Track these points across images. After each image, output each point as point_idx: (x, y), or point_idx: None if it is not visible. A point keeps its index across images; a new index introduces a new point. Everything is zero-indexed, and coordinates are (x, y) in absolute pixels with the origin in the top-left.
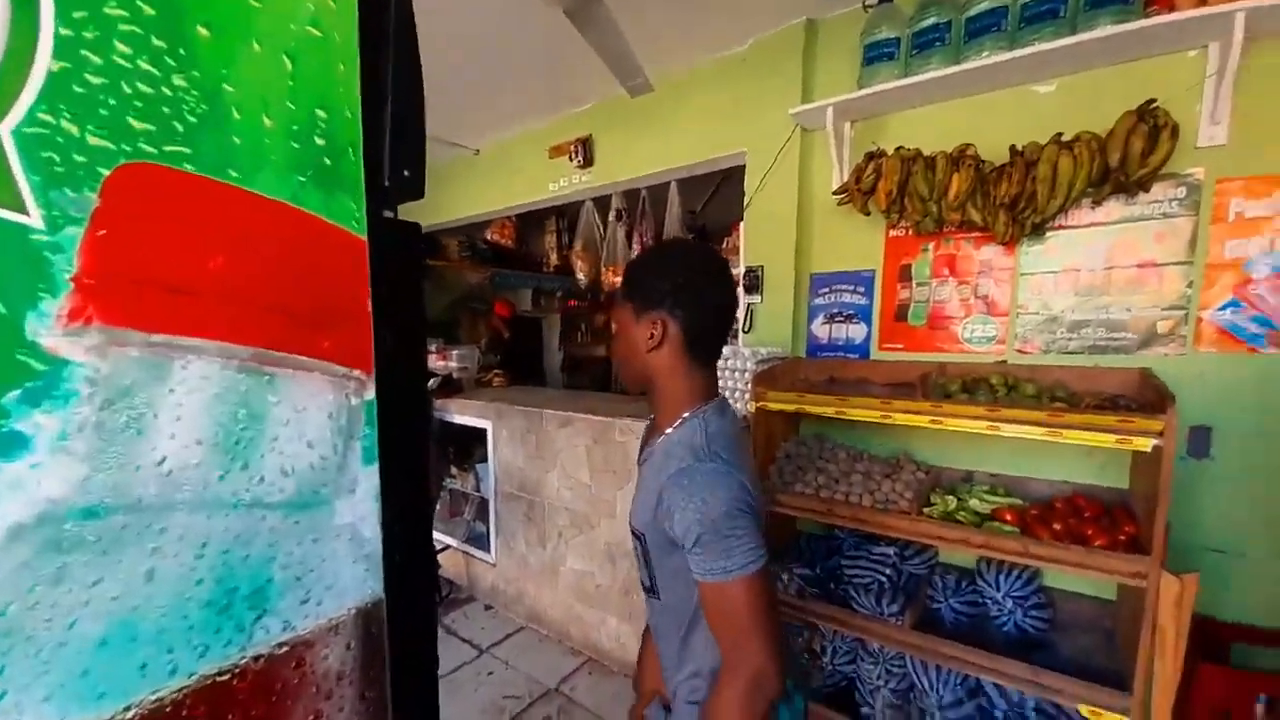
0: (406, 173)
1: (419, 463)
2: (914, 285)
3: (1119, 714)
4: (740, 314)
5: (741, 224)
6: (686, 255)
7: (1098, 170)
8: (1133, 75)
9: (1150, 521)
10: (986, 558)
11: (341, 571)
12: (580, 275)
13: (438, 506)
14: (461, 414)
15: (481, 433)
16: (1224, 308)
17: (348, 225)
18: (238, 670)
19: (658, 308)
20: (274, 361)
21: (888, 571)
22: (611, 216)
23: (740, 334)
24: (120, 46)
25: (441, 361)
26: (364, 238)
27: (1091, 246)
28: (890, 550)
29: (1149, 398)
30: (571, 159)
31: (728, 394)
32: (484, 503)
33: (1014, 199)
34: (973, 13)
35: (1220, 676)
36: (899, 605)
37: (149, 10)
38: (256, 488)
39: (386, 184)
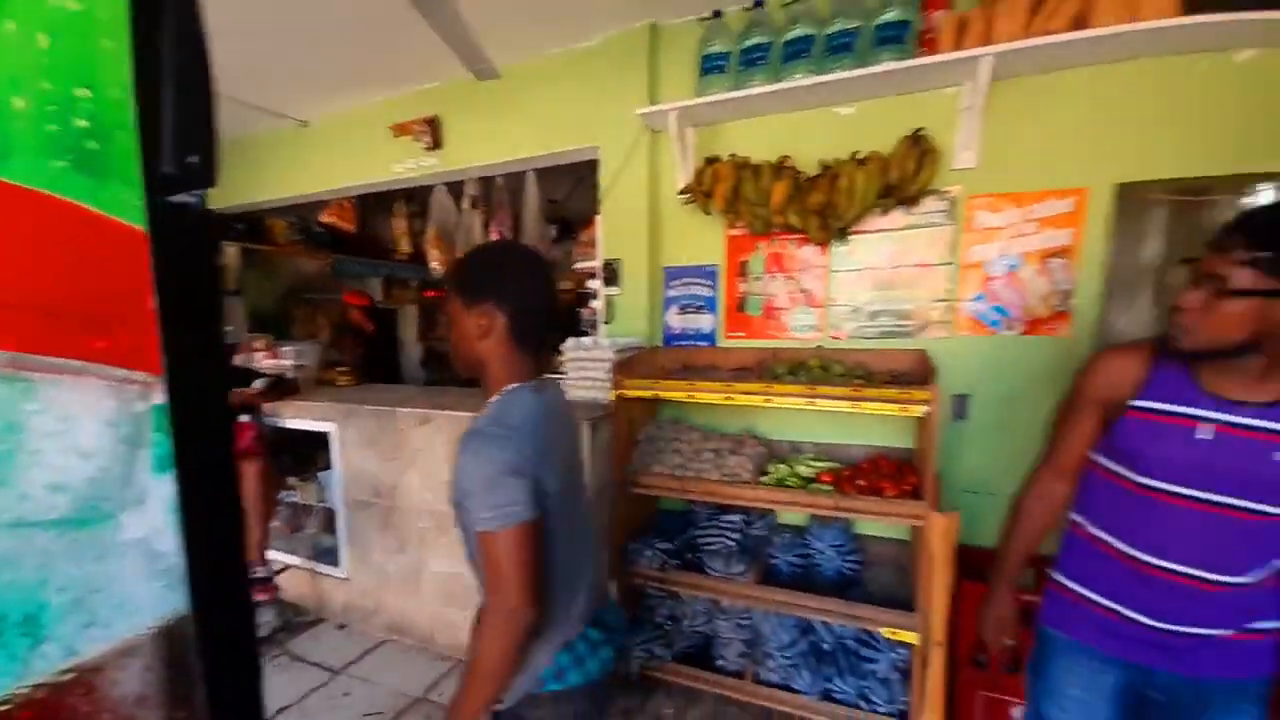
0: (194, 158)
1: (224, 469)
2: (751, 279)
3: (908, 630)
4: (600, 305)
5: (598, 217)
6: (512, 254)
7: (883, 185)
8: (911, 105)
9: (933, 476)
10: (814, 514)
11: (134, 590)
12: (434, 264)
13: (274, 522)
14: (299, 418)
15: (324, 437)
16: (974, 300)
17: (122, 215)
18: (17, 701)
19: (486, 301)
20: (32, 366)
21: (735, 536)
22: (466, 203)
23: (601, 324)
24: None
25: (271, 360)
26: (144, 228)
27: (882, 249)
28: (737, 518)
29: (924, 374)
30: (418, 139)
31: (590, 383)
32: (330, 514)
33: (823, 207)
34: (788, 38)
35: (978, 591)
36: (744, 565)
37: None
38: (19, 506)
39: (169, 170)
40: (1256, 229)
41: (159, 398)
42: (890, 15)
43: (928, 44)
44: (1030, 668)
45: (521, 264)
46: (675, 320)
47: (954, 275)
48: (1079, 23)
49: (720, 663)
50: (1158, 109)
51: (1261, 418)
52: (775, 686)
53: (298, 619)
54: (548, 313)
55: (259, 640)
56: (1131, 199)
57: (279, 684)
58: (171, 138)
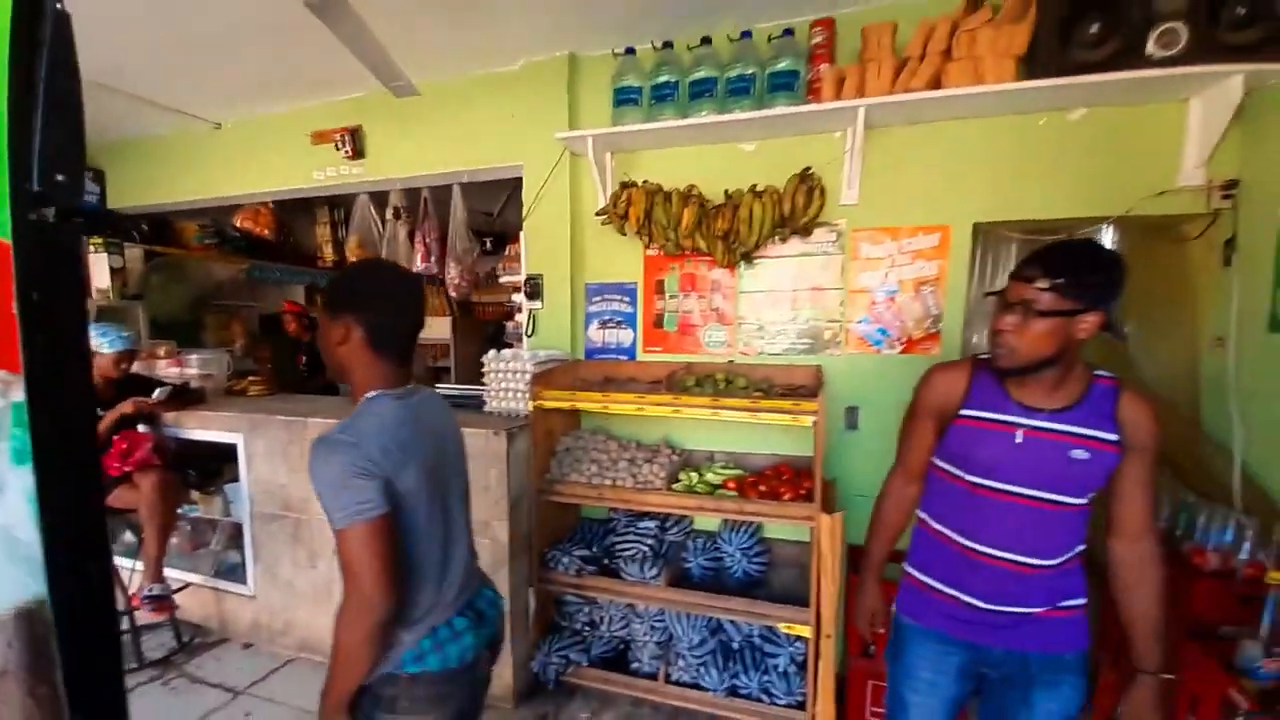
0: (61, 177)
1: (86, 463)
2: (667, 297)
3: (803, 624)
4: (523, 319)
5: (522, 234)
6: (375, 271)
7: (777, 216)
8: (804, 145)
9: (822, 480)
10: (725, 519)
11: None
12: None
13: (173, 539)
14: (203, 428)
15: (231, 449)
16: (861, 322)
17: None
18: None
19: (345, 313)
20: None
21: (650, 542)
22: (389, 214)
23: (524, 337)
24: None
25: (176, 368)
26: (7, 240)
27: (784, 273)
28: (653, 524)
29: (817, 387)
30: (339, 148)
31: (509, 394)
32: (237, 528)
33: (726, 233)
34: (694, 78)
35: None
36: (658, 569)
37: None
38: None
39: (36, 188)
40: (1053, 261)
41: (18, 395)
42: (783, 65)
43: (814, 93)
44: (888, 653)
45: (382, 281)
46: (596, 335)
47: (844, 299)
48: (935, 84)
49: (635, 665)
50: (1007, 159)
51: (1057, 421)
52: (686, 686)
53: (199, 640)
54: (408, 326)
55: (118, 623)
56: (988, 236)
57: (172, 706)
58: (40, 159)
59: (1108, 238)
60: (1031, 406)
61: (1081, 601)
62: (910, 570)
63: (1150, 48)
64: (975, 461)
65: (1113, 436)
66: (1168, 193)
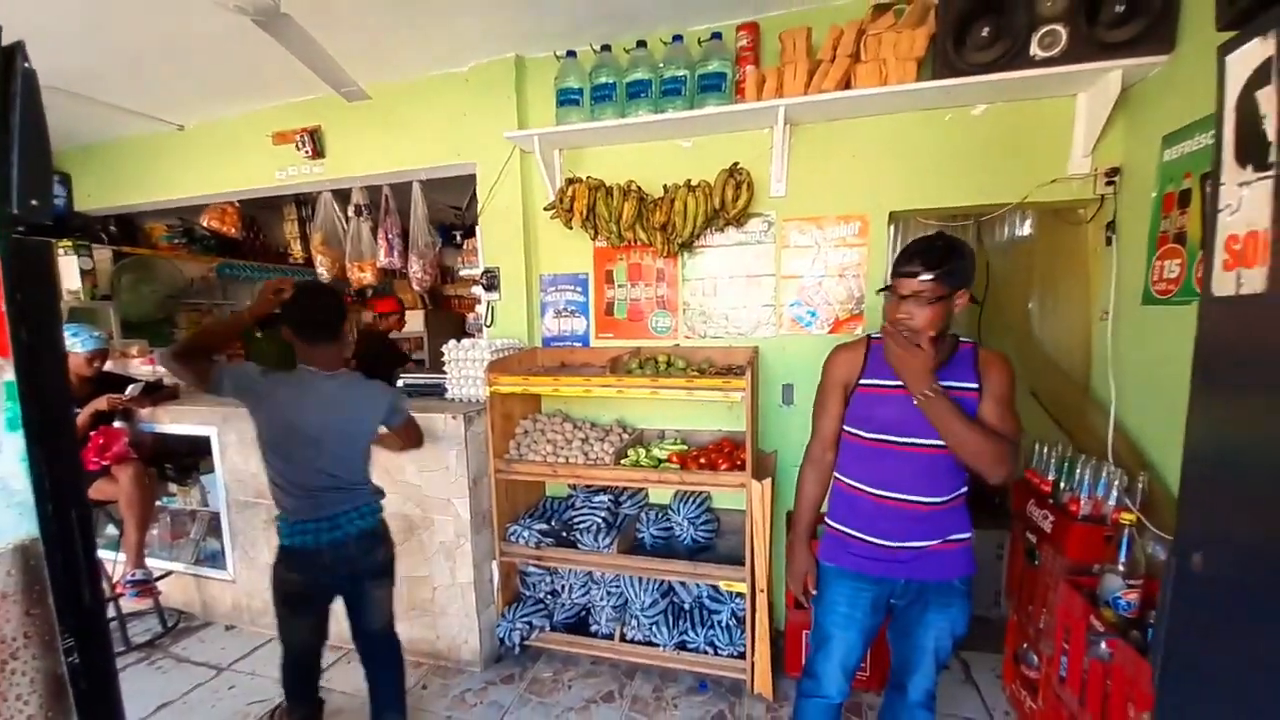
0: (34, 202)
1: (64, 429)
2: (616, 286)
3: (740, 582)
4: (482, 309)
5: (477, 228)
6: (300, 294)
7: (710, 209)
8: (736, 142)
9: (753, 450)
10: (676, 491)
11: None
12: (323, 270)
13: (153, 530)
14: (177, 423)
15: (205, 441)
16: (792, 305)
17: None
18: None
19: (283, 323)
20: None
21: (603, 514)
22: (351, 211)
23: (484, 328)
24: None
25: (148, 365)
26: None
27: (721, 261)
28: (607, 498)
29: (750, 366)
30: (299, 148)
31: (468, 380)
32: (215, 517)
33: (664, 224)
34: (630, 79)
35: None
36: (611, 539)
37: None
38: None
39: (16, 211)
40: (930, 258)
41: (8, 375)
42: (712, 67)
43: (741, 93)
44: (814, 598)
45: (304, 300)
46: (552, 323)
47: (776, 284)
48: (846, 84)
49: (595, 628)
50: (917, 152)
51: (946, 375)
52: (640, 644)
53: (184, 625)
54: (318, 330)
55: (96, 555)
56: (905, 224)
57: (161, 684)
58: (16, 188)
59: (1024, 224)
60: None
61: (966, 535)
62: (830, 523)
63: (1034, 49)
64: (876, 421)
65: (973, 385)
66: (1059, 181)
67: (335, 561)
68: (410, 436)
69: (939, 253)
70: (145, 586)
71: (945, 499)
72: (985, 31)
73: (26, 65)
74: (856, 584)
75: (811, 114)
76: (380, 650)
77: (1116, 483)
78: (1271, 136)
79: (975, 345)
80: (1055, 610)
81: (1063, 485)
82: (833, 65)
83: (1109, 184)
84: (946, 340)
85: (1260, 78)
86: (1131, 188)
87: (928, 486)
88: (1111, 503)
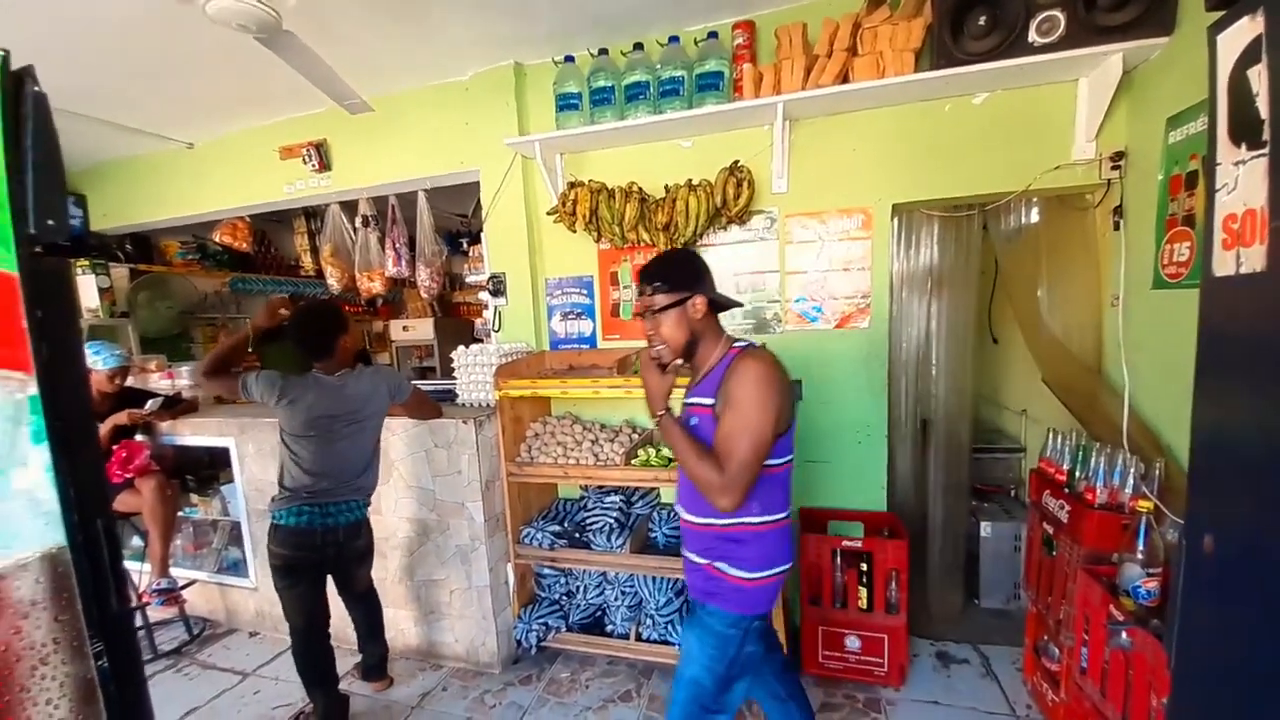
0: (51, 222)
1: (88, 442)
2: (621, 288)
3: None
4: (490, 315)
5: (483, 235)
6: (301, 313)
7: (711, 207)
8: (736, 140)
9: None
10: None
11: (22, 525)
12: (333, 281)
13: (177, 541)
14: (197, 435)
15: (224, 452)
16: (797, 300)
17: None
18: None
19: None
20: None
21: (615, 515)
22: (359, 222)
23: (492, 333)
24: None
25: (167, 379)
26: (14, 273)
27: (725, 259)
28: (619, 498)
29: None
30: (306, 162)
31: (477, 385)
32: (235, 527)
33: (666, 225)
34: (628, 81)
35: (813, 541)
36: (624, 539)
37: None
38: None
39: (33, 231)
40: (647, 272)
41: (32, 390)
42: (709, 66)
43: (739, 90)
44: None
45: (301, 321)
46: (559, 326)
47: (781, 280)
48: (844, 78)
49: (610, 628)
50: (919, 143)
51: (689, 395)
52: (655, 643)
53: (209, 632)
54: (314, 350)
55: (122, 562)
56: (907, 215)
57: (187, 690)
58: (34, 210)
59: (1031, 212)
60: (686, 387)
61: (734, 570)
62: None
63: (1032, 35)
64: None
65: (709, 401)
66: (1063, 167)
67: (324, 543)
68: (423, 407)
69: (654, 264)
70: (171, 595)
71: (702, 520)
72: (982, 20)
73: (37, 89)
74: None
75: (810, 109)
76: (361, 600)
77: (1133, 470)
78: (1264, 114)
79: (740, 351)
80: (1074, 601)
81: (1078, 474)
82: (830, 60)
83: (1114, 168)
84: (714, 351)
85: (1250, 56)
86: (1137, 171)
87: (690, 503)
88: (1128, 490)
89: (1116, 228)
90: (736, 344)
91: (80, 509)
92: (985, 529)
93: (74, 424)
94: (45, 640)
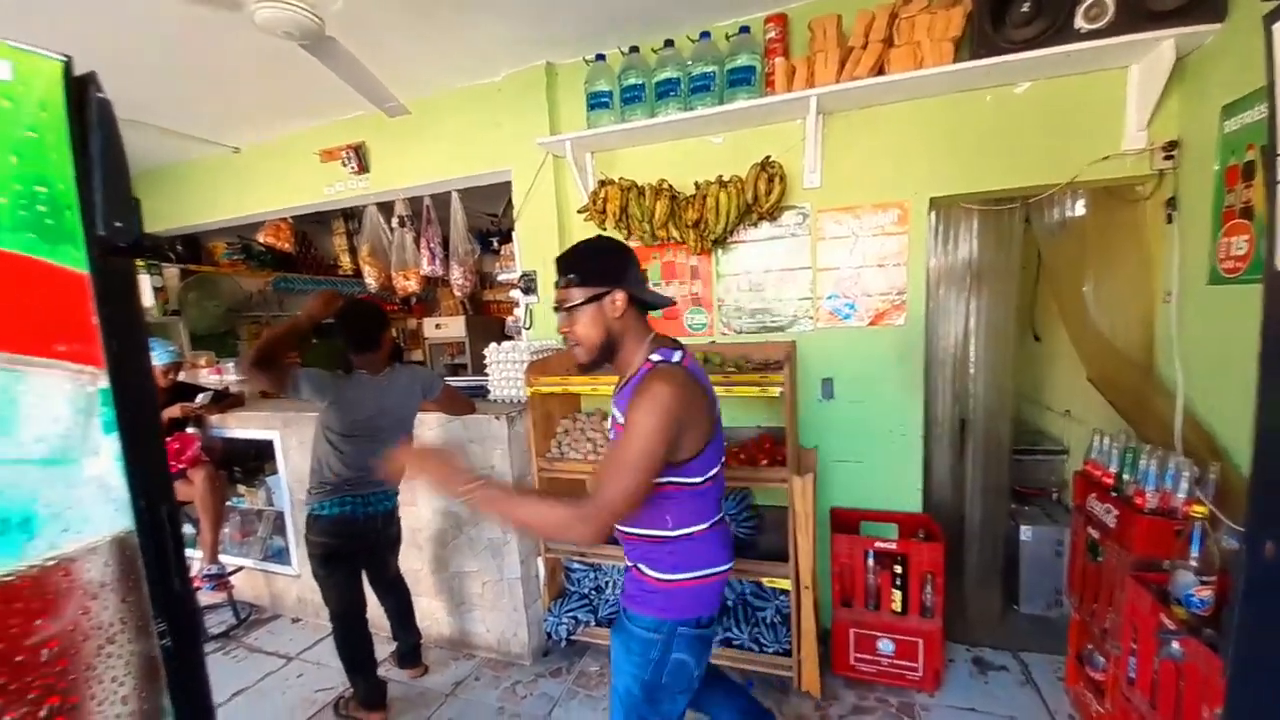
0: (118, 224)
1: (154, 433)
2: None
3: (782, 578)
4: (521, 313)
5: (514, 233)
6: (349, 309)
7: (742, 203)
8: (767, 135)
9: (793, 445)
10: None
11: (94, 510)
12: (370, 280)
13: (225, 529)
14: (244, 428)
15: (269, 445)
16: (829, 297)
17: (71, 265)
18: (18, 575)
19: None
20: (19, 363)
21: None
22: (395, 222)
23: (523, 330)
24: None
25: (216, 375)
26: (86, 273)
27: (756, 256)
28: None
29: (787, 362)
30: (345, 164)
31: (509, 382)
32: (279, 516)
33: (696, 222)
34: (658, 79)
35: (845, 542)
36: None
37: None
38: (17, 450)
39: (102, 233)
40: (563, 263)
41: (104, 383)
42: (740, 61)
43: (771, 85)
44: None
45: (350, 316)
46: None
47: (813, 277)
48: (880, 70)
49: None
50: (958, 134)
51: (612, 405)
52: None
53: (254, 617)
54: (362, 343)
55: (184, 548)
56: (945, 209)
57: (235, 672)
58: (102, 212)
59: (1076, 205)
60: (614, 390)
61: (651, 571)
62: None
63: (1079, 21)
64: None
65: (621, 417)
66: (1112, 157)
67: (365, 530)
68: (455, 402)
69: (572, 255)
70: (220, 580)
71: (634, 530)
72: (1025, 7)
73: (100, 95)
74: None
75: (844, 102)
76: (391, 588)
77: (1186, 473)
78: None
79: (654, 367)
80: (1122, 609)
81: (1126, 477)
82: (865, 51)
83: (1167, 158)
84: (636, 358)
85: None
86: (1191, 162)
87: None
88: (1181, 495)
89: (1170, 220)
90: (654, 355)
91: (147, 495)
92: (1025, 532)
93: (141, 415)
94: (113, 620)
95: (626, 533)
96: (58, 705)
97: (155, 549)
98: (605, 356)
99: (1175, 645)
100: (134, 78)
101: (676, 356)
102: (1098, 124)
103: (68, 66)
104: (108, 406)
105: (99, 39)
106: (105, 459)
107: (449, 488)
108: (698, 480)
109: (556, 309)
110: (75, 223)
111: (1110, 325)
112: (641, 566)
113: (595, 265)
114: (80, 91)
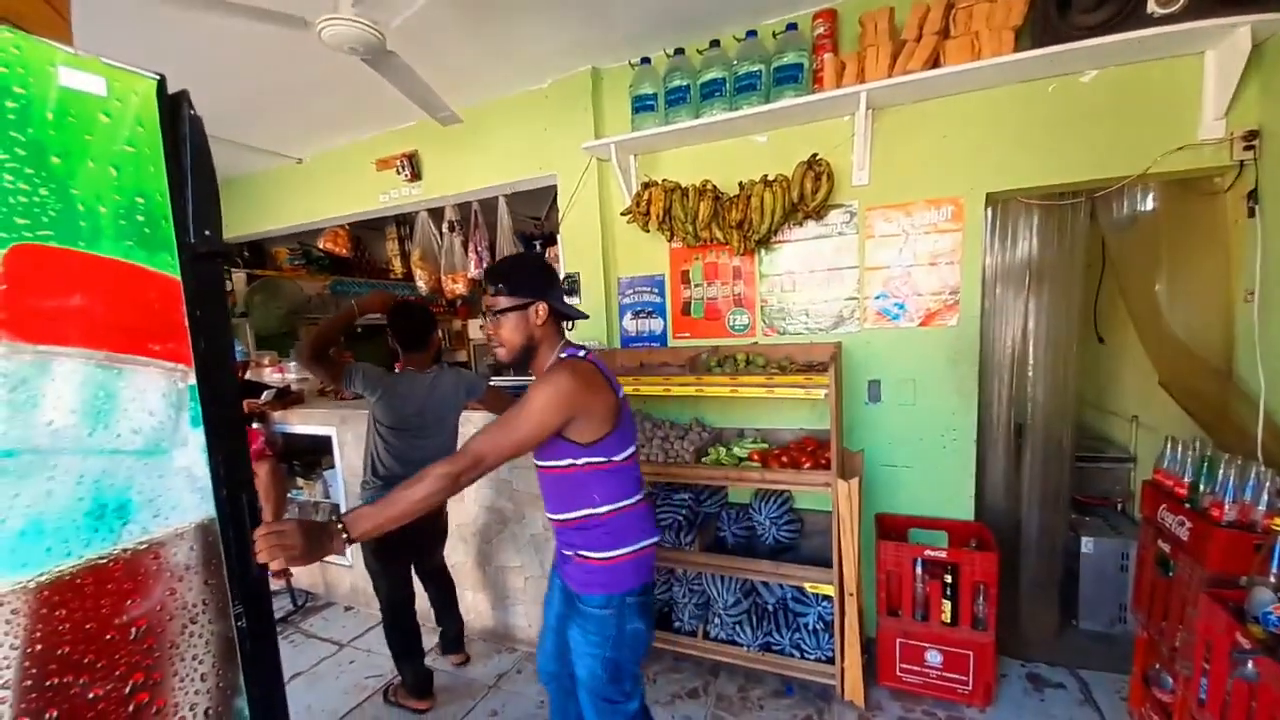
0: (207, 232)
1: (235, 427)
2: (692, 286)
3: (826, 584)
4: None
5: (559, 236)
6: (401, 308)
7: (788, 202)
8: (814, 133)
9: (838, 448)
10: (756, 491)
11: (182, 497)
12: (421, 283)
13: (286, 516)
14: (304, 424)
15: (326, 440)
16: (877, 297)
17: (165, 270)
18: (112, 557)
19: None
20: (119, 361)
21: (684, 512)
22: (445, 227)
23: (565, 331)
24: (5, 176)
25: (279, 374)
26: (178, 278)
27: (800, 256)
28: (687, 496)
29: (833, 363)
30: (399, 172)
31: None
32: (335, 509)
33: (740, 222)
34: (703, 80)
35: (891, 549)
36: (692, 536)
37: (21, 151)
38: (115, 441)
39: (192, 240)
40: (494, 273)
41: (192, 380)
42: (787, 59)
43: (819, 82)
44: None
45: (401, 315)
46: (630, 324)
47: (860, 277)
48: (934, 63)
49: (677, 625)
50: (1017, 127)
51: None
52: (722, 642)
53: (310, 604)
54: (413, 341)
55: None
56: (1003, 205)
57: (293, 656)
58: (193, 222)
59: (1146, 199)
60: None
61: (592, 554)
62: None
63: (1151, 6)
64: None
65: None
66: (1188, 147)
67: (415, 522)
68: (501, 402)
69: (503, 265)
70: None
71: (564, 516)
72: None
73: (193, 112)
74: (553, 575)
75: (896, 97)
76: (435, 577)
77: (1268, 484)
78: None
79: (560, 360)
80: (1194, 627)
81: (1202, 488)
82: (919, 45)
83: (1248, 149)
84: (547, 356)
85: None
86: (1274, 152)
87: (551, 502)
88: (1261, 507)
89: (1251, 214)
90: (563, 355)
91: (229, 485)
92: (1087, 545)
93: (225, 410)
94: (195, 601)
95: (561, 520)
96: (141, 681)
97: (235, 535)
98: (524, 358)
99: (1250, 665)
100: (212, 95)
101: (581, 354)
102: (1171, 113)
103: (161, 84)
104: (195, 402)
105: (178, 55)
106: (192, 450)
107: (322, 552)
108: (615, 458)
109: (484, 313)
110: (169, 231)
111: (1185, 326)
112: (583, 552)
113: (524, 277)
114: (174, 108)
